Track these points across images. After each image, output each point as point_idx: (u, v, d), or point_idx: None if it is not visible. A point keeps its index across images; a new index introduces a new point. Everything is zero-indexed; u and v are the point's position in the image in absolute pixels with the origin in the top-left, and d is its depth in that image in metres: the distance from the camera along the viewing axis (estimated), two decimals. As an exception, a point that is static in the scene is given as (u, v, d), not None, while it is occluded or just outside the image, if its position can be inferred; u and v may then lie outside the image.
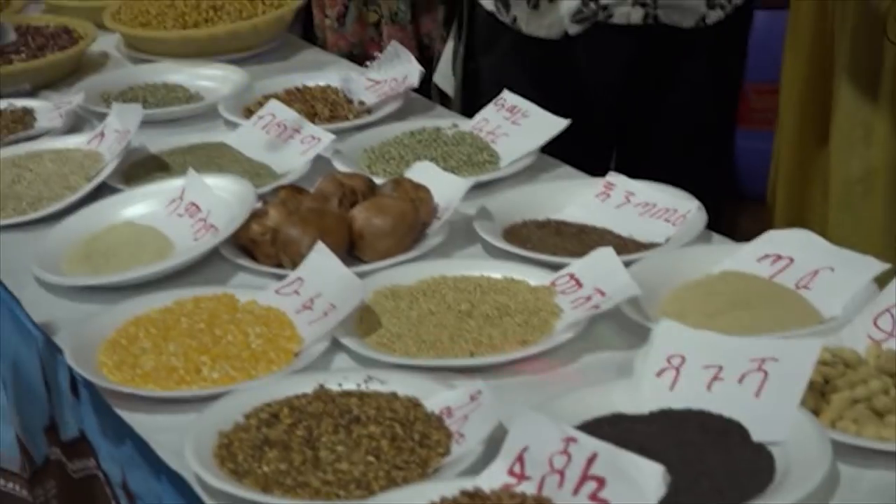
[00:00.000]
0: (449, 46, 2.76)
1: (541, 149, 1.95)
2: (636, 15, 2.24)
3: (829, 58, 2.47)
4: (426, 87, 2.66)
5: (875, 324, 1.37)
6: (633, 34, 2.26)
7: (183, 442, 1.27)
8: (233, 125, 2.11)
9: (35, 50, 2.45)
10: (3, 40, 2.50)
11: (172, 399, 1.41)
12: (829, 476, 1.15)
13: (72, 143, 2.05)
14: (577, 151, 2.04)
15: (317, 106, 2.16)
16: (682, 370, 1.30)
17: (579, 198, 1.81)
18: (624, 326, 1.47)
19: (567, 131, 1.96)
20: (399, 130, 2.03)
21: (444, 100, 2.71)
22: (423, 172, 1.79)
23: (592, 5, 2.23)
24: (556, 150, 1.97)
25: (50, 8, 2.81)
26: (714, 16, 2.28)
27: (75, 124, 2.18)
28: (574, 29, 2.26)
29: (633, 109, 2.37)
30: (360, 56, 3.10)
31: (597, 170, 1.91)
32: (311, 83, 2.27)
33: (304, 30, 3.37)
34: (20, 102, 2.27)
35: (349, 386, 1.36)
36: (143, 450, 1.36)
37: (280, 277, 1.59)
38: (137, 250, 1.72)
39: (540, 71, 2.30)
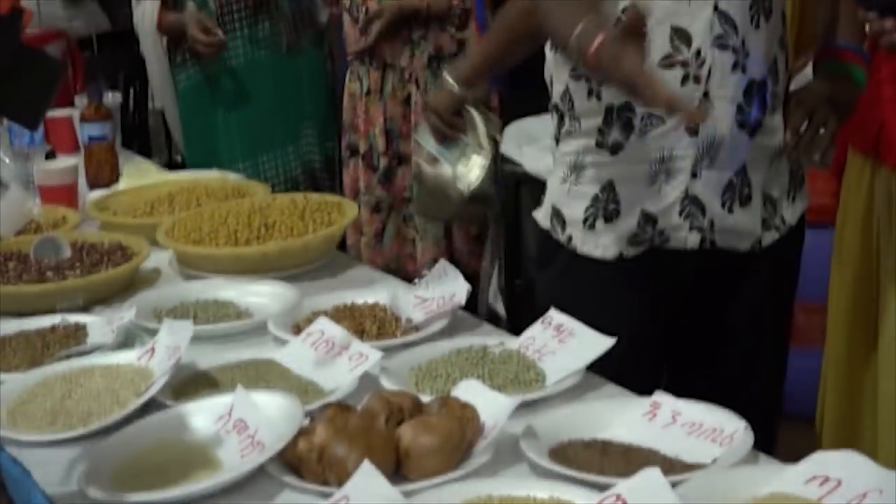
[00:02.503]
0: (496, 264, 2.80)
1: (589, 366, 1.96)
2: (693, 240, 2.25)
3: (875, 276, 2.49)
4: (472, 304, 2.68)
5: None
6: (689, 257, 2.27)
7: None
8: (282, 342, 2.13)
9: (89, 266, 2.49)
10: (59, 256, 2.55)
11: None
12: None
13: (123, 359, 2.08)
14: (630, 367, 2.04)
15: (365, 323, 2.18)
16: None
17: (626, 417, 1.81)
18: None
19: (618, 347, 1.97)
20: (446, 348, 2.05)
21: (491, 316, 2.73)
22: (470, 391, 1.80)
23: (649, 229, 2.25)
24: (607, 366, 1.98)
25: (105, 225, 2.87)
26: (769, 237, 2.30)
27: (127, 339, 2.21)
28: (630, 251, 2.27)
29: (687, 329, 2.37)
30: (396, 273, 3.14)
31: (648, 386, 1.90)
32: (359, 300, 2.30)
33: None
34: (73, 318, 2.31)
35: None
36: None
37: (326, 496, 1.58)
38: (185, 468, 1.72)
39: (594, 290, 2.30)
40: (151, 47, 4.08)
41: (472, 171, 2.85)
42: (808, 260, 2.38)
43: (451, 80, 2.83)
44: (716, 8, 2.17)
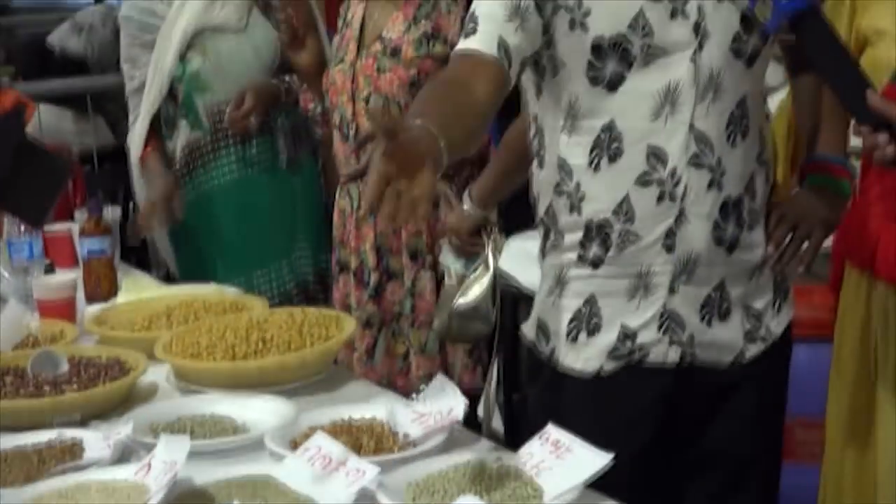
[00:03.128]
0: (493, 379, 2.80)
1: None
2: (673, 354, 2.27)
3: (872, 390, 2.49)
4: (470, 419, 2.67)
5: None
6: (670, 374, 2.29)
7: None
8: (279, 457, 2.12)
9: (87, 381, 2.49)
10: (56, 371, 2.55)
11: None
12: None
13: (119, 475, 2.07)
14: (622, 480, 2.04)
15: (362, 438, 2.17)
16: None
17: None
18: None
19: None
20: (444, 464, 2.04)
21: (489, 432, 2.72)
22: (468, 507, 1.79)
23: (629, 343, 2.27)
24: (602, 480, 1.97)
25: (103, 339, 2.88)
26: (754, 349, 2.31)
27: (123, 454, 2.20)
28: (609, 365, 2.29)
29: (675, 443, 2.36)
30: (388, 388, 3.13)
31: (642, 498, 1.90)
32: (356, 415, 2.29)
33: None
34: (69, 433, 2.30)
35: None
36: None
37: None
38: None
39: (577, 406, 2.32)
40: (137, 176, 4.11)
41: (472, 288, 2.89)
42: (807, 374, 2.39)
43: (468, 202, 2.92)
44: (691, 128, 2.21)
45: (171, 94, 3.96)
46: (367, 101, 3.34)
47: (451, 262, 3.12)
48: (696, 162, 2.22)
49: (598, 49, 2.20)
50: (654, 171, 2.22)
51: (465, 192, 3.09)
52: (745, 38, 2.23)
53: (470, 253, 3.08)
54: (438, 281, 3.30)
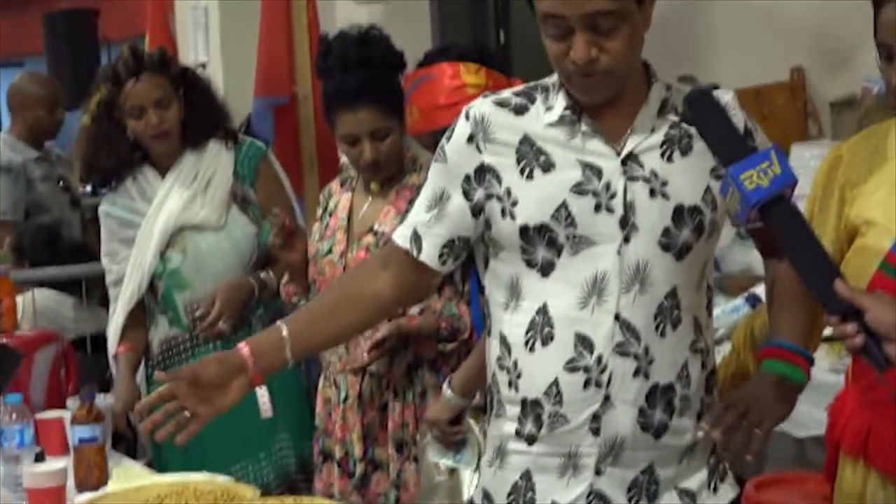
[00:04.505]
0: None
1: None
2: None
3: None
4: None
5: None
6: None
7: None
8: None
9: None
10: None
11: None
12: None
13: None
14: None
15: None
16: None
17: None
18: None
19: None
20: None
21: None
22: None
23: None
24: None
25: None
26: None
27: None
28: None
29: None
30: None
31: None
32: None
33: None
34: None
35: None
36: None
37: None
38: None
39: None
40: (115, 369, 4.12)
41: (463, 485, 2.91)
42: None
43: (449, 392, 2.96)
44: (617, 317, 2.28)
45: (152, 288, 3.99)
46: None
47: (438, 457, 3.12)
48: (621, 350, 2.28)
49: (526, 236, 2.31)
50: (580, 357, 2.29)
51: (444, 382, 3.13)
52: (676, 232, 2.30)
53: (453, 443, 3.07)
54: (424, 473, 3.28)
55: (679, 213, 2.30)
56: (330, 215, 3.53)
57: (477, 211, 2.36)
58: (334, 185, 3.65)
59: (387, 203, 3.42)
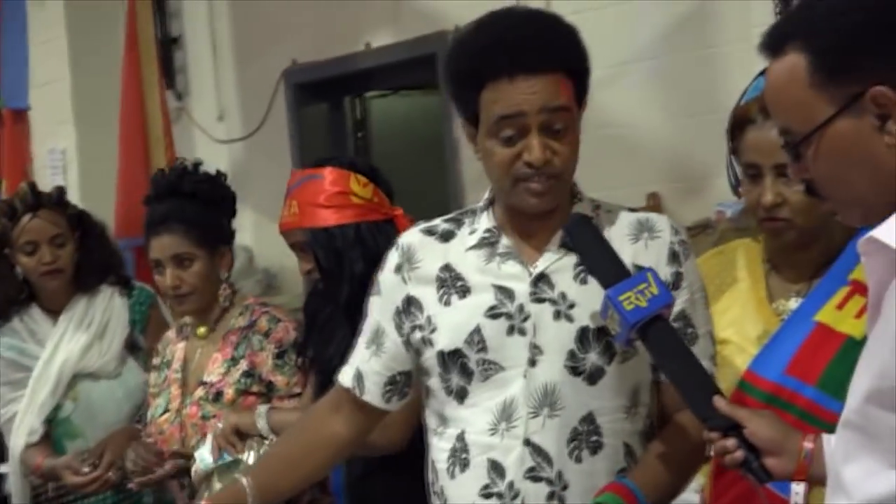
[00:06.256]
0: None
1: None
2: None
3: None
4: None
5: None
6: None
7: None
8: None
9: None
10: None
11: None
12: None
13: None
14: None
15: None
16: None
17: None
18: None
19: None
20: None
21: None
22: None
23: None
24: None
25: None
26: None
27: None
28: None
29: None
30: None
31: None
32: None
33: None
34: None
35: None
36: None
37: None
38: None
39: None
40: (18, 483, 4.00)
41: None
42: None
43: (264, 423, 3.09)
44: (528, 442, 2.28)
45: (45, 432, 3.89)
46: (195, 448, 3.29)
47: (203, 451, 3.11)
48: (532, 476, 2.28)
49: (442, 362, 2.33)
50: (493, 483, 2.29)
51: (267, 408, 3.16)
52: (582, 355, 2.29)
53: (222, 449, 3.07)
54: None
55: (584, 336, 2.29)
56: (166, 367, 3.50)
57: (408, 344, 2.40)
58: (171, 333, 3.61)
59: (215, 350, 3.40)
